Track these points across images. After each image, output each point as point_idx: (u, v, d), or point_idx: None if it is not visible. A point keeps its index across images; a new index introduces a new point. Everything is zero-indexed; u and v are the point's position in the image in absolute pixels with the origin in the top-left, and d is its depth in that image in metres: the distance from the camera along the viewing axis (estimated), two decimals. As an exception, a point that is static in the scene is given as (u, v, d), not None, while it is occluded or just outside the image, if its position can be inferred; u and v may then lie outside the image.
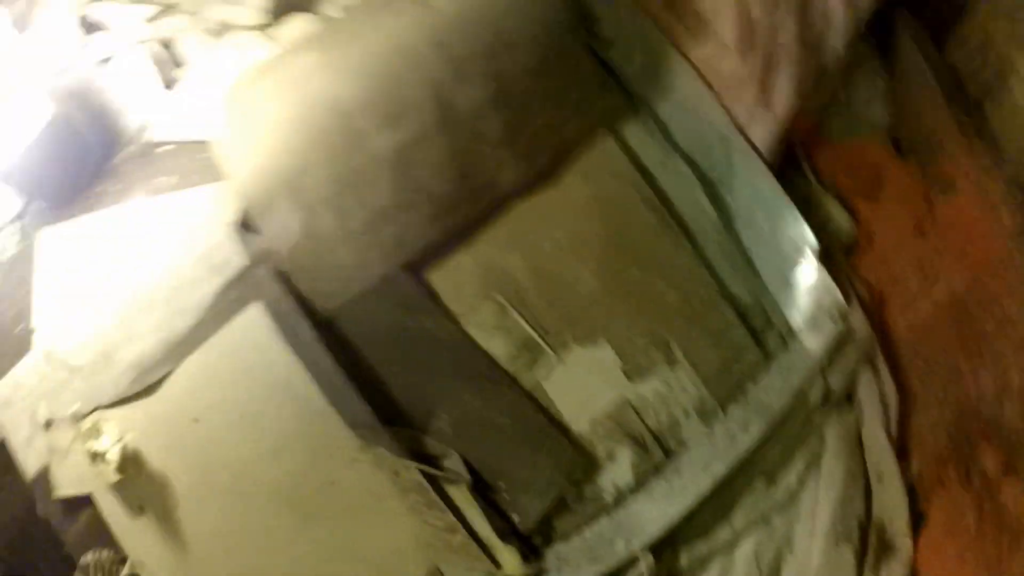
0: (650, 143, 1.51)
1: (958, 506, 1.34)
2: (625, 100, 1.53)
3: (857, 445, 1.43)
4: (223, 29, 1.53)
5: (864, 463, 1.42)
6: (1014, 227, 1.51)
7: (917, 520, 1.37)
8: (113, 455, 1.28)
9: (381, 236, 1.35)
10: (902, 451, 1.42)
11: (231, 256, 1.35)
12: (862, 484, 1.40)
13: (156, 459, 1.30)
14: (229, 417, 1.34)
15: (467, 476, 1.34)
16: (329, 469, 1.32)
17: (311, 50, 1.40)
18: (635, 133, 1.51)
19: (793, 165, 1.65)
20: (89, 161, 1.51)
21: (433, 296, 1.38)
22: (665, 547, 1.36)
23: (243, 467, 1.31)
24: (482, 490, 1.35)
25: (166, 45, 1.54)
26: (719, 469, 1.36)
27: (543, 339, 1.38)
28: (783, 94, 1.58)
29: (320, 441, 1.33)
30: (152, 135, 1.54)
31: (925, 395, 1.48)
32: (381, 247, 1.36)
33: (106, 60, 1.57)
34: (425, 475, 1.31)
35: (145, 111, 1.56)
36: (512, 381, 1.37)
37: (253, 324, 1.32)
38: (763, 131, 1.58)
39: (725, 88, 1.60)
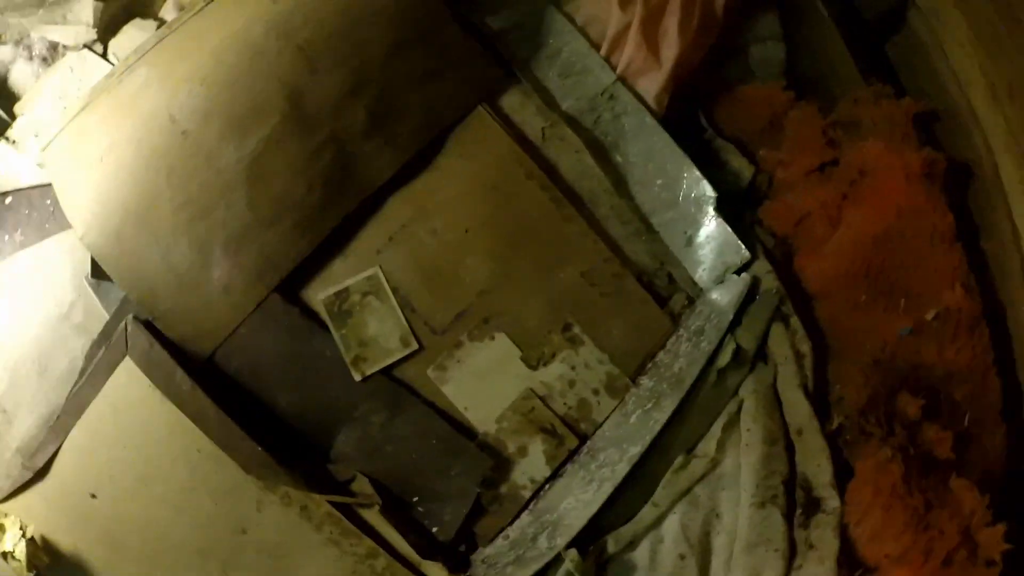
0: (531, 112, 1.38)
1: (882, 457, 1.28)
2: (501, 68, 1.42)
3: (774, 403, 1.34)
4: (54, 53, 1.40)
5: (783, 421, 1.35)
6: (920, 164, 1.43)
7: (843, 475, 1.31)
8: (20, 552, 1.21)
9: (246, 260, 1.23)
10: (821, 405, 1.36)
11: (90, 312, 1.25)
12: (783, 443, 1.32)
13: (64, 542, 1.22)
14: (125, 484, 1.24)
15: (376, 498, 1.26)
16: (238, 516, 1.23)
17: (141, 63, 1.27)
18: (514, 103, 1.38)
19: (689, 116, 1.55)
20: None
21: (315, 314, 1.28)
22: (590, 536, 1.30)
23: (151, 530, 1.23)
24: (398, 507, 1.28)
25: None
26: (635, 450, 1.28)
27: (434, 342, 1.30)
28: (670, 45, 1.46)
29: (222, 489, 1.23)
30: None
31: (840, 345, 1.40)
32: (248, 272, 1.23)
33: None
34: (336, 504, 1.22)
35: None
36: (409, 391, 1.28)
37: (128, 382, 1.22)
38: (652, 84, 1.46)
39: (609, 44, 1.49)
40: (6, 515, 1.23)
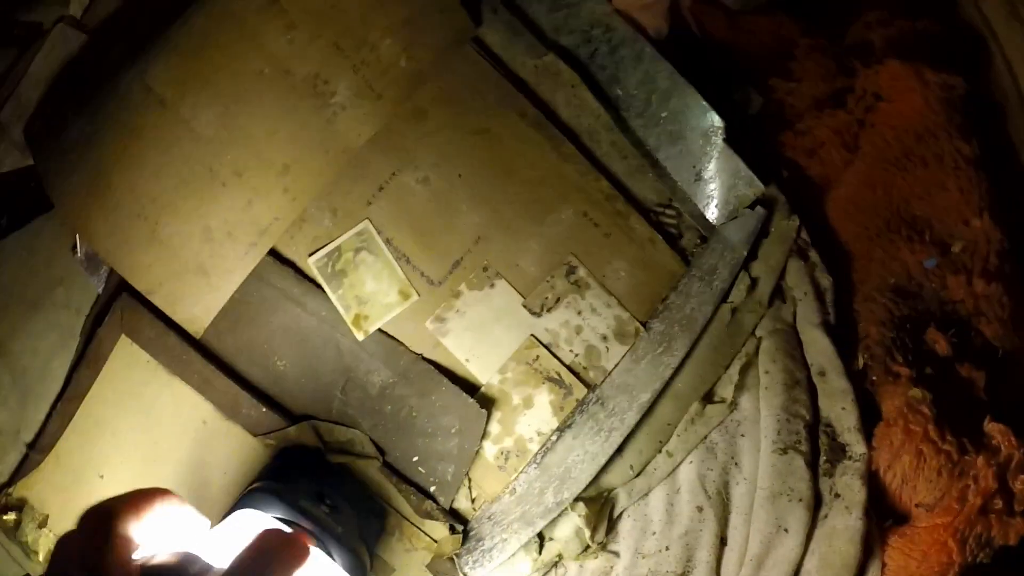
0: (521, 49, 1.28)
1: (913, 398, 1.18)
2: (485, 4, 1.31)
3: (794, 343, 1.25)
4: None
5: (804, 362, 1.25)
6: (939, 86, 1.33)
7: (871, 419, 1.22)
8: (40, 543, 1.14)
9: (236, 228, 1.16)
10: (845, 344, 1.26)
11: (82, 290, 1.21)
12: (805, 385, 1.23)
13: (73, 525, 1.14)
14: (132, 463, 1.17)
15: (376, 454, 1.18)
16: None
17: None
18: (502, 41, 1.28)
19: (692, 46, 1.46)
20: None
21: (309, 276, 1.18)
22: (600, 488, 1.21)
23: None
24: (399, 466, 1.18)
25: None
26: (645, 397, 1.19)
27: (432, 293, 1.21)
28: (667, -31, 1.38)
29: (230, 460, 1.15)
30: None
31: (863, 279, 1.30)
32: (239, 240, 1.16)
33: None
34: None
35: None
36: (406, 348, 1.18)
37: (128, 360, 1.15)
38: (649, 13, 1.38)
39: (600, -28, 1.38)
40: (22, 506, 1.17)
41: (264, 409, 1.14)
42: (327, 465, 1.15)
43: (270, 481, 1.11)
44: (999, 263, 1.23)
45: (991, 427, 1.14)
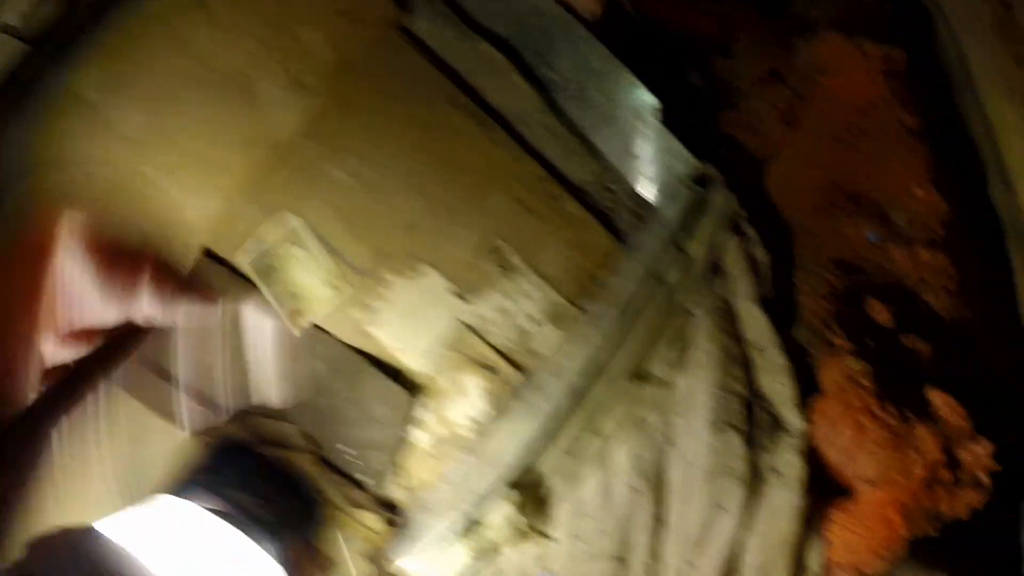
0: (448, 33, 1.29)
1: (851, 370, 1.15)
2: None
3: (730, 319, 1.23)
4: None
5: (741, 337, 1.23)
6: (880, 58, 1.30)
7: (810, 394, 1.19)
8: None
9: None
10: (782, 319, 1.23)
11: None
12: (742, 361, 1.20)
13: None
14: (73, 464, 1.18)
15: (308, 447, 1.18)
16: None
17: None
18: (431, 28, 1.29)
19: (630, 25, 1.44)
20: None
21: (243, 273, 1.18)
22: (533, 473, 1.20)
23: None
24: (332, 458, 1.18)
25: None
26: (577, 379, 1.17)
27: (360, 283, 1.20)
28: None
29: (167, 457, 1.16)
30: None
31: (804, 253, 1.26)
32: (171, 241, 1.16)
33: None
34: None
35: None
36: (336, 340, 1.18)
37: None
38: (583, -4, 1.37)
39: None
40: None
41: (199, 407, 1.14)
42: (262, 460, 1.15)
43: (197, 473, 1.12)
44: (944, 233, 1.20)
45: (934, 396, 1.11)
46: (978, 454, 1.10)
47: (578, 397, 1.16)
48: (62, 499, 1.12)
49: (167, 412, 1.15)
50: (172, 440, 1.17)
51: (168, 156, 1.16)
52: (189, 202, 1.16)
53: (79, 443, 1.09)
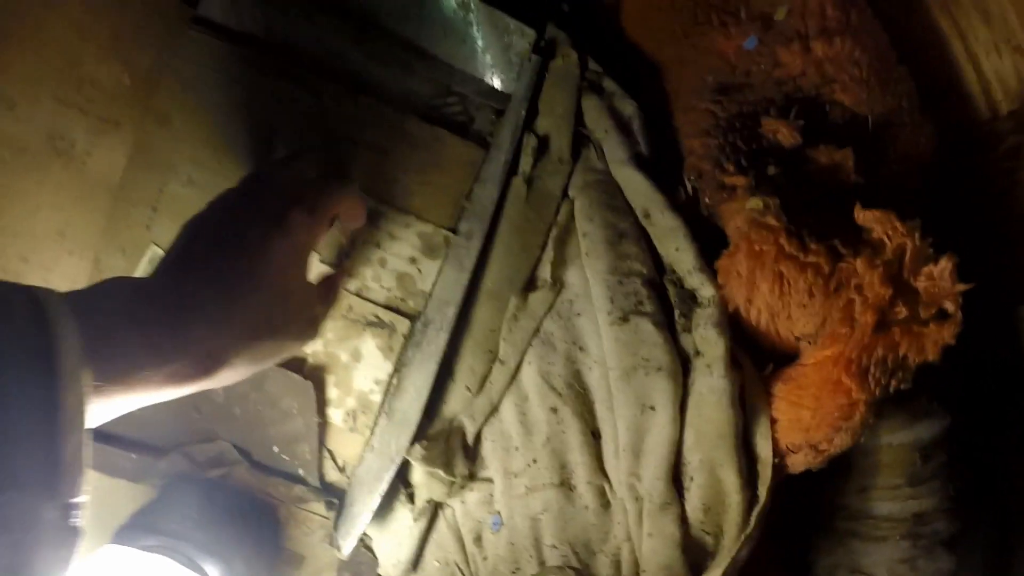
0: (243, 6, 1.15)
1: (752, 210, 0.96)
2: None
3: (610, 191, 1.06)
4: None
5: (628, 208, 1.06)
6: None
7: (715, 252, 1.01)
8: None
9: None
10: (667, 174, 1.05)
11: None
12: (634, 236, 1.04)
13: None
14: None
15: (239, 458, 1.14)
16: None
17: None
18: (222, 7, 1.15)
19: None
20: None
21: None
22: (444, 420, 1.10)
23: None
24: (264, 461, 1.15)
25: None
26: (452, 309, 1.07)
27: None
28: None
29: (128, 512, 1.16)
30: None
31: (677, 89, 1.06)
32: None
33: None
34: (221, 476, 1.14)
35: None
36: None
37: None
38: None
39: None
40: None
41: (134, 456, 1.13)
42: (208, 483, 1.15)
43: (136, 516, 1.13)
44: (840, 15, 0.97)
45: (865, 216, 0.91)
46: (936, 276, 0.88)
47: (461, 328, 1.05)
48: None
49: (115, 470, 1.15)
50: (130, 494, 1.17)
51: (15, 245, 1.14)
52: (53, 279, 1.15)
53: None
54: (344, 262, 1.08)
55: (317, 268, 1.08)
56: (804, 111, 0.97)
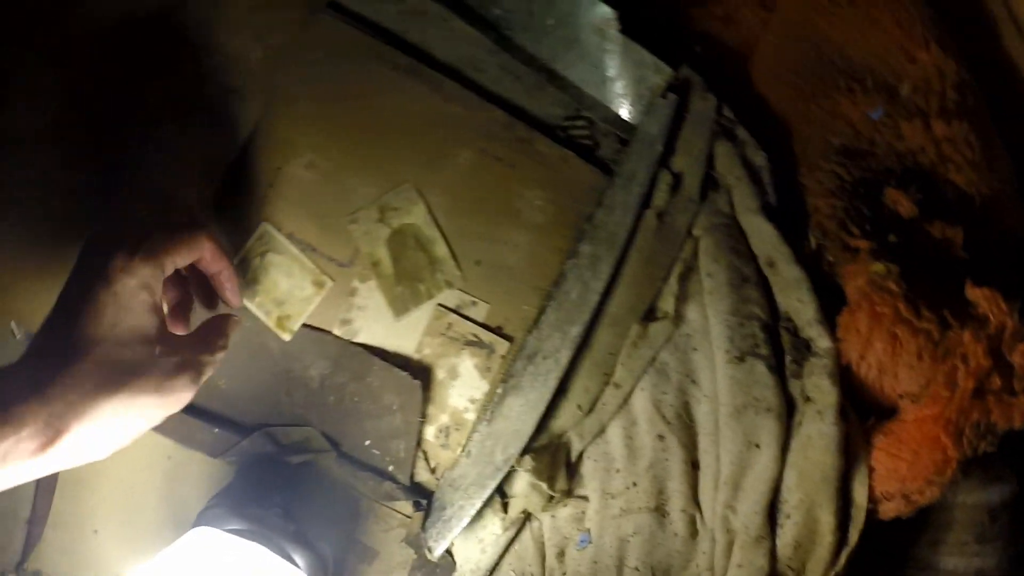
0: None
1: (875, 273, 1.03)
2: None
3: (736, 236, 1.11)
4: None
5: (751, 255, 1.12)
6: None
7: (833, 305, 1.08)
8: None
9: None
10: (794, 226, 1.11)
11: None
12: (755, 281, 1.09)
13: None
14: (118, 513, 1.18)
15: (329, 447, 1.12)
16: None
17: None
18: None
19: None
20: None
21: None
22: (552, 435, 1.13)
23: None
24: (353, 453, 1.13)
25: None
26: (576, 330, 1.10)
27: (344, 274, 1.11)
28: None
29: (200, 486, 1.16)
30: None
31: (804, 148, 1.13)
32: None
33: None
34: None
35: None
36: (333, 336, 1.11)
37: None
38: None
39: None
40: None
41: (216, 431, 1.10)
42: (289, 468, 1.12)
43: (221, 497, 1.10)
44: (959, 98, 1.05)
45: (975, 293, 0.98)
46: (1032, 354, 0.97)
47: (581, 349, 1.08)
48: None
49: (194, 442, 1.12)
50: (205, 469, 1.15)
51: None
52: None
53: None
54: (224, 306, 1.03)
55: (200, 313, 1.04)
56: (920, 186, 1.04)
